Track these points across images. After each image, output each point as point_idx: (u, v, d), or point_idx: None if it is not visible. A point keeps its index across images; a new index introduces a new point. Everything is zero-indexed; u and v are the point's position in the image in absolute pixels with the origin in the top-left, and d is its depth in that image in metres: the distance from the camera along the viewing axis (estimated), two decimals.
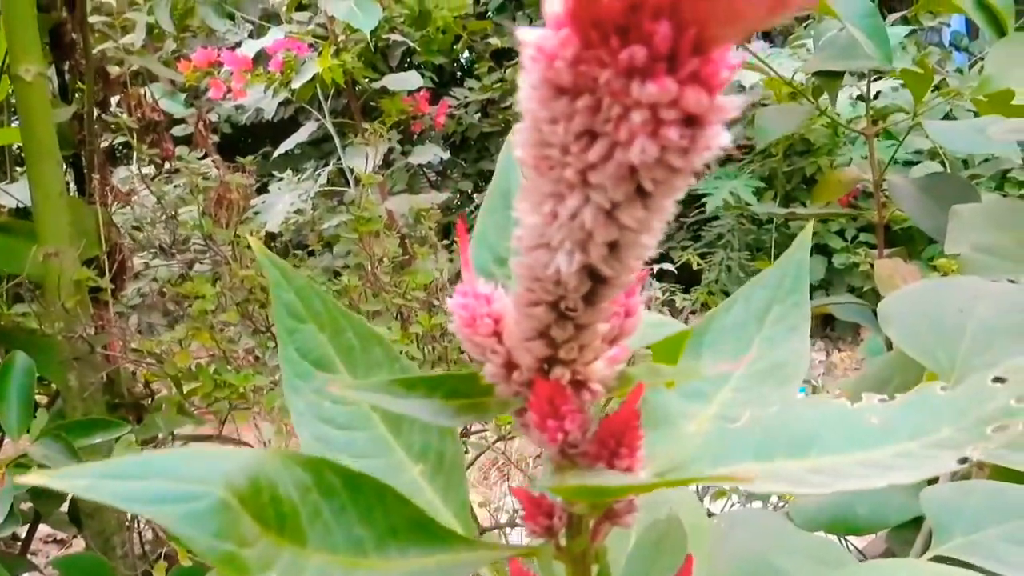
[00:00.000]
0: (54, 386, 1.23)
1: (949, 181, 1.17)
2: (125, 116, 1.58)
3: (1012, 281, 0.82)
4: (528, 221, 0.19)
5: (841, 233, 2.84)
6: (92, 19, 1.63)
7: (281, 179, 2.33)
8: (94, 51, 1.54)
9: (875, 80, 1.46)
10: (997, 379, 0.24)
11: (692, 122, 0.15)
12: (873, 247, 2.44)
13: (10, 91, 1.15)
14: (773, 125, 1.14)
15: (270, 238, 2.32)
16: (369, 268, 1.12)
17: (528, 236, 0.19)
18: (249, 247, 1.45)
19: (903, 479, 0.22)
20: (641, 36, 0.14)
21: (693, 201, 2.90)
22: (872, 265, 1.42)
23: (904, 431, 0.25)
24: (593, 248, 0.18)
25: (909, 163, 2.69)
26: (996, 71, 0.72)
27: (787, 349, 0.33)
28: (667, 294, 2.55)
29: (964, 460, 0.22)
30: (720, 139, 0.16)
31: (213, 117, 2.57)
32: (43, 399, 1.28)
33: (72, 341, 1.06)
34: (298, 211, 2.38)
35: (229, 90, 2.01)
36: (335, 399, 0.35)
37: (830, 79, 1.15)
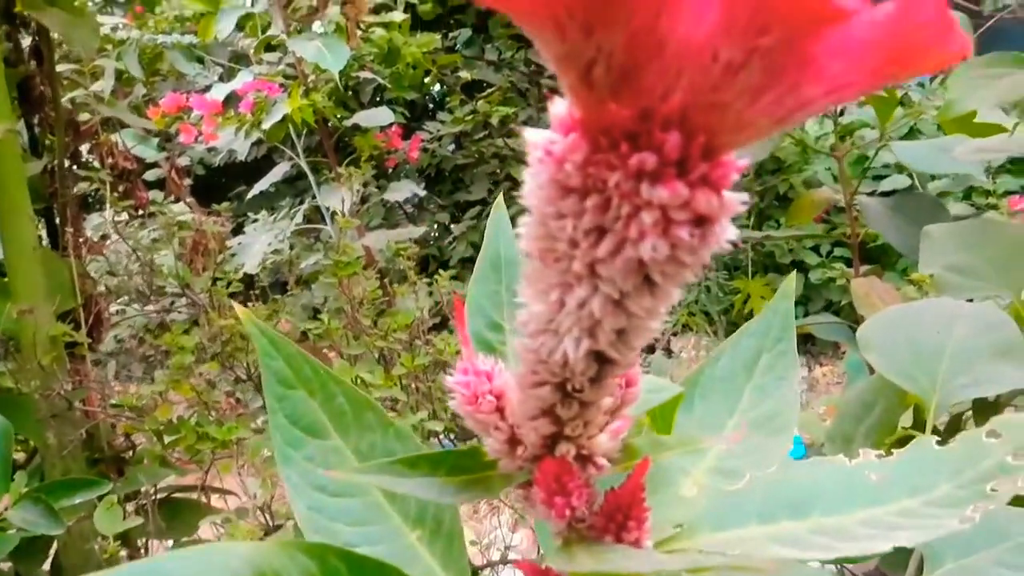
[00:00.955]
0: (32, 443, 1.21)
1: (918, 199, 1.20)
2: (97, 164, 1.57)
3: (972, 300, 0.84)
4: (534, 308, 0.19)
5: (816, 249, 2.87)
6: (61, 68, 1.63)
7: (256, 220, 2.32)
8: (64, 99, 1.53)
9: None
10: (992, 433, 0.25)
11: (702, 221, 0.16)
12: (849, 262, 2.47)
13: None
14: (742, 151, 1.16)
15: (248, 280, 2.30)
16: (349, 311, 1.12)
17: (534, 322, 0.20)
18: (228, 295, 1.44)
19: (907, 540, 0.23)
20: (651, 143, 0.14)
21: None
22: (848, 280, 1.44)
23: (903, 488, 0.25)
24: (601, 334, 0.19)
25: (879, 176, 2.73)
26: (958, 96, 0.74)
27: (778, 399, 0.34)
28: None
29: (966, 520, 0.22)
30: (728, 234, 0.16)
31: (186, 160, 2.56)
32: (21, 456, 1.26)
33: (49, 398, 1.05)
34: (275, 251, 2.36)
35: (200, 134, 2.00)
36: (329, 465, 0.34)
37: None
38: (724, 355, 0.35)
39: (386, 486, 0.25)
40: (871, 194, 2.64)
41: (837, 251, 2.86)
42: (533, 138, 0.16)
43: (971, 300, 0.82)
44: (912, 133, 2.46)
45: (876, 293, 1.25)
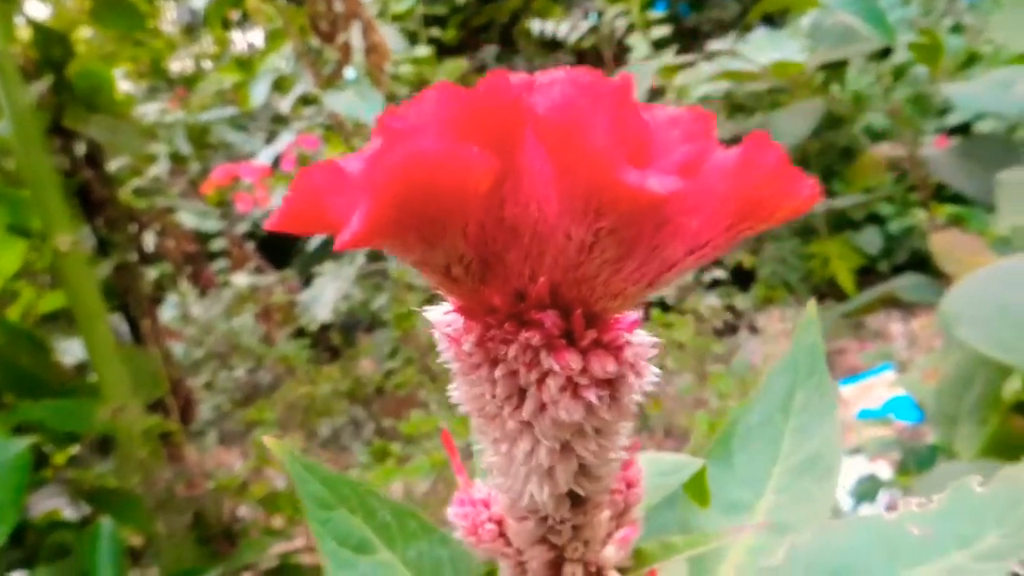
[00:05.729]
0: None
1: (987, 142, 1.12)
2: (162, 251, 1.63)
3: None
4: (489, 459, 0.18)
5: (890, 197, 2.74)
6: (117, 163, 1.69)
7: (322, 274, 2.38)
8: (125, 187, 1.60)
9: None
10: None
11: (609, 383, 0.15)
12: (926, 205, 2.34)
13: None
14: (788, 129, 1.11)
15: (324, 328, 2.35)
16: (418, 358, 1.13)
17: (495, 469, 0.19)
18: (306, 348, 1.47)
19: None
20: (532, 321, 0.14)
21: None
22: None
23: (949, 540, 0.24)
24: (560, 477, 0.18)
25: (944, 111, 2.59)
26: (1006, 38, 0.69)
27: (820, 439, 0.32)
28: (725, 299, 2.49)
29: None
30: (645, 383, 0.15)
31: (247, 225, 2.64)
32: (139, 541, 1.31)
33: (153, 490, 1.09)
34: (345, 296, 2.41)
35: (255, 201, 2.06)
36: None
37: (835, 68, 1.12)
38: (757, 400, 0.34)
39: None
40: (940, 131, 2.50)
41: (914, 195, 2.73)
42: (434, 318, 0.16)
43: None
44: (972, 60, 2.32)
45: (960, 247, 1.19)
